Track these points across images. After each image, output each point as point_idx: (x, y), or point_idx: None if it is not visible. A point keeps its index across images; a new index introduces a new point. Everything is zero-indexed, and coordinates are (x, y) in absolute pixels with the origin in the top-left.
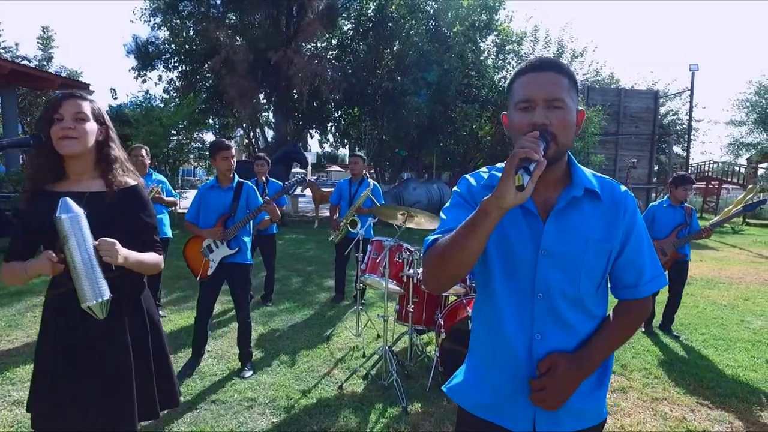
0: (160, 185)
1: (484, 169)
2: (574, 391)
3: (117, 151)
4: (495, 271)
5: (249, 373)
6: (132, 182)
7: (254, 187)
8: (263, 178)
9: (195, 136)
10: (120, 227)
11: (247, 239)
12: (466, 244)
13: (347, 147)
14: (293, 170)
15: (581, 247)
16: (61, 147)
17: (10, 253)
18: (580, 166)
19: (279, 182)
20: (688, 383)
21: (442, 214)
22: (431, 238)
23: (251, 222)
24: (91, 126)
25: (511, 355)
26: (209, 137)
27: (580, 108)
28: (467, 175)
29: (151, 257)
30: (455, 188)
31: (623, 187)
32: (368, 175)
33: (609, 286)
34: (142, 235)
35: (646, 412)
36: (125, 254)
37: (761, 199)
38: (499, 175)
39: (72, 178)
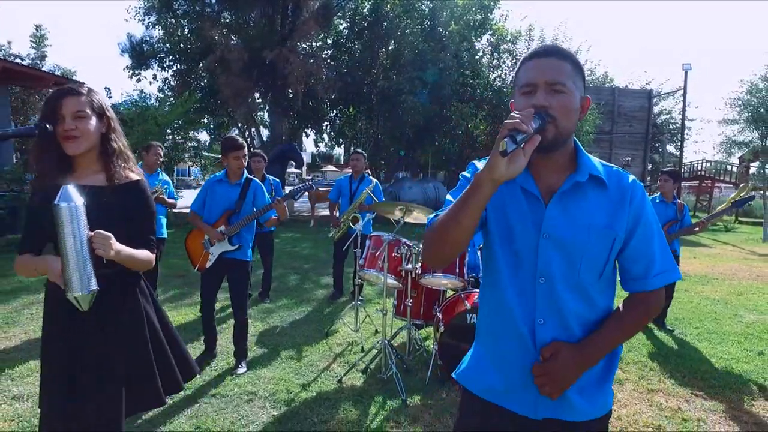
0: (165, 186)
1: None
2: (576, 381)
3: (118, 142)
4: (498, 255)
5: (243, 370)
6: (135, 177)
7: (262, 185)
8: (260, 176)
9: (190, 135)
10: (117, 222)
11: (249, 237)
12: (459, 218)
13: (342, 146)
14: (289, 170)
15: (584, 233)
16: (66, 148)
17: (22, 245)
18: (588, 154)
19: (277, 179)
20: (682, 375)
21: (448, 197)
22: (432, 215)
23: (256, 219)
24: (92, 122)
25: (518, 340)
26: (204, 136)
27: (586, 95)
28: (475, 161)
29: (143, 254)
30: (463, 173)
31: (632, 177)
32: (369, 173)
33: (618, 278)
34: (140, 232)
35: (642, 403)
36: (118, 248)
37: (750, 195)
38: None
39: (78, 171)
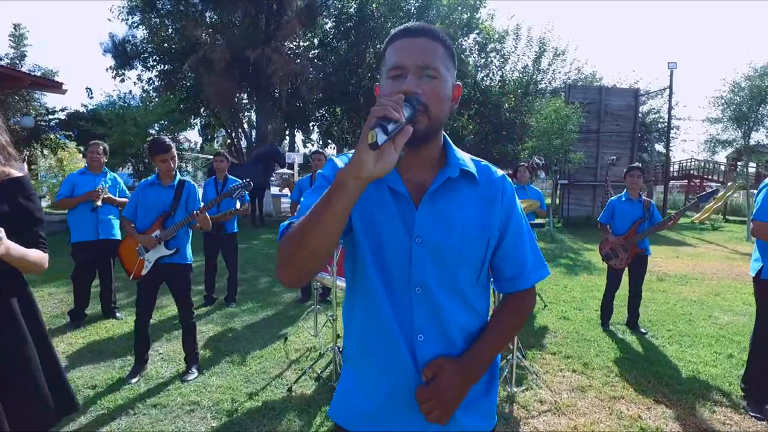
0: (107, 185)
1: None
2: (463, 399)
3: None
4: (368, 264)
5: (193, 376)
6: (16, 173)
7: (196, 186)
8: (222, 176)
9: (176, 135)
10: (1, 221)
11: (186, 238)
12: (321, 222)
13: (330, 147)
14: (276, 171)
15: (458, 234)
16: None
17: None
18: (456, 148)
19: (238, 180)
20: (648, 381)
21: (302, 199)
22: (286, 222)
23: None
24: None
25: (396, 359)
26: (192, 136)
27: (457, 82)
28: (334, 157)
29: (36, 254)
30: (320, 172)
31: (500, 172)
32: None
33: (492, 279)
34: (25, 230)
35: (602, 412)
36: (8, 245)
37: (714, 189)
38: None
39: None
